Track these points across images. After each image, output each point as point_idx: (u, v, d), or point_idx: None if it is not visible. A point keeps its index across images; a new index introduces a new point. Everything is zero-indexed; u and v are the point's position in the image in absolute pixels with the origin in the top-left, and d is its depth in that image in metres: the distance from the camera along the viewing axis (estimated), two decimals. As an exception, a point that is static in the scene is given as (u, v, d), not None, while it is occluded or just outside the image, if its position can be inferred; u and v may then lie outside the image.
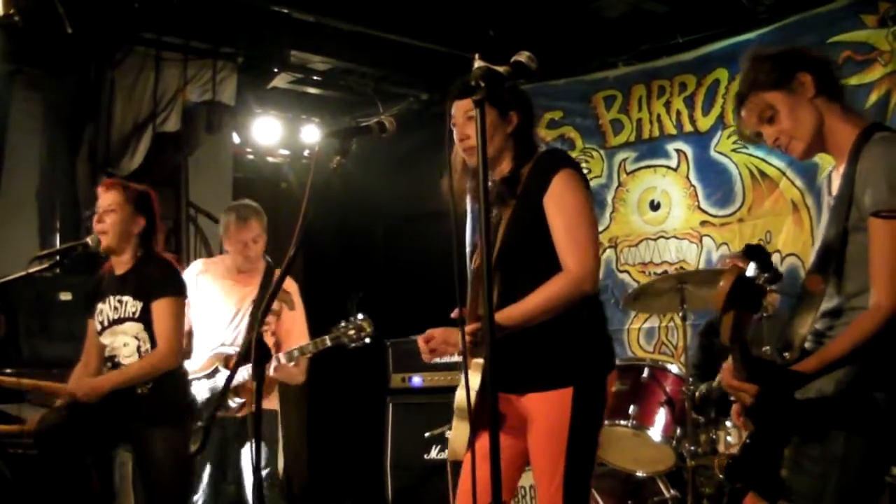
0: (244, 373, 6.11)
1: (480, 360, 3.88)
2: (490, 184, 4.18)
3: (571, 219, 3.86)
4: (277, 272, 6.62)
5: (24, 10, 6.82)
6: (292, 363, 6.33)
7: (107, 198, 5.52)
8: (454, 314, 3.94)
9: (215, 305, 6.52)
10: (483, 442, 4.08)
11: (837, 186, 3.35)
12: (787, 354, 3.26)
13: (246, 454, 6.47)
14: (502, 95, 4.00)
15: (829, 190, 3.47)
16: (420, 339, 4.19)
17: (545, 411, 3.84)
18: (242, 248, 6.59)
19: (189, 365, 6.27)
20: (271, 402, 6.56)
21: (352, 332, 6.14)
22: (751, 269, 3.08)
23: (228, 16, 8.33)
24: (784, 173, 7.83)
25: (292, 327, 6.68)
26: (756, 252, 3.11)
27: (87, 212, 8.20)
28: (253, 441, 4.13)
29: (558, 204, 3.85)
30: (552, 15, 8.46)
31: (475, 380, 3.88)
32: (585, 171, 8.79)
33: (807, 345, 3.31)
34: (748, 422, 3.42)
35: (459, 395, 3.85)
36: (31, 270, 5.67)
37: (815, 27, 7.48)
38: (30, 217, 8.16)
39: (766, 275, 3.06)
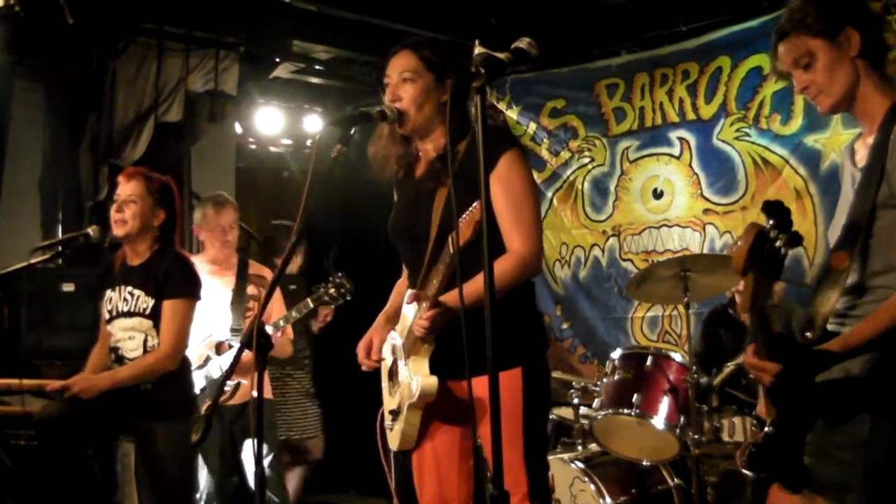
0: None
1: (428, 347, 3.86)
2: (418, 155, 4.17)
3: (517, 200, 3.83)
4: (251, 264, 6.93)
5: (24, 0, 6.82)
6: (279, 332, 6.52)
7: (127, 188, 5.40)
8: (409, 298, 3.92)
9: None
10: (430, 437, 4.10)
11: (864, 157, 3.25)
12: (808, 334, 3.16)
13: (247, 446, 6.52)
14: (440, 59, 3.99)
15: (853, 160, 3.35)
16: (361, 353, 4.18)
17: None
18: (221, 234, 6.77)
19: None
20: (265, 391, 6.55)
21: (332, 290, 6.26)
22: (770, 228, 2.99)
23: (230, 5, 8.33)
24: (787, 161, 7.81)
25: (272, 311, 6.76)
26: (775, 209, 3.00)
27: (90, 202, 8.21)
28: (262, 428, 4.20)
29: (504, 184, 3.80)
30: (555, 3, 8.45)
31: (425, 367, 3.88)
32: (588, 160, 8.96)
33: (829, 326, 3.21)
34: (770, 408, 3.30)
35: (424, 384, 3.83)
36: (33, 261, 5.65)
37: (818, 15, 7.45)
38: (32, 207, 8.16)
39: (784, 235, 2.97)
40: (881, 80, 3.27)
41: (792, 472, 3.25)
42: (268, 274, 6.90)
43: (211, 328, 6.47)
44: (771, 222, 2.96)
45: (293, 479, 8.33)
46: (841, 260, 3.15)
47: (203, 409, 6.02)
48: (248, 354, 3.43)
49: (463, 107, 3.84)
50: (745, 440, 6.12)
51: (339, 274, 6.35)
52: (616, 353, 6.58)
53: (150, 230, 5.40)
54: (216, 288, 6.65)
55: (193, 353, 6.29)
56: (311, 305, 6.38)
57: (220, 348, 6.44)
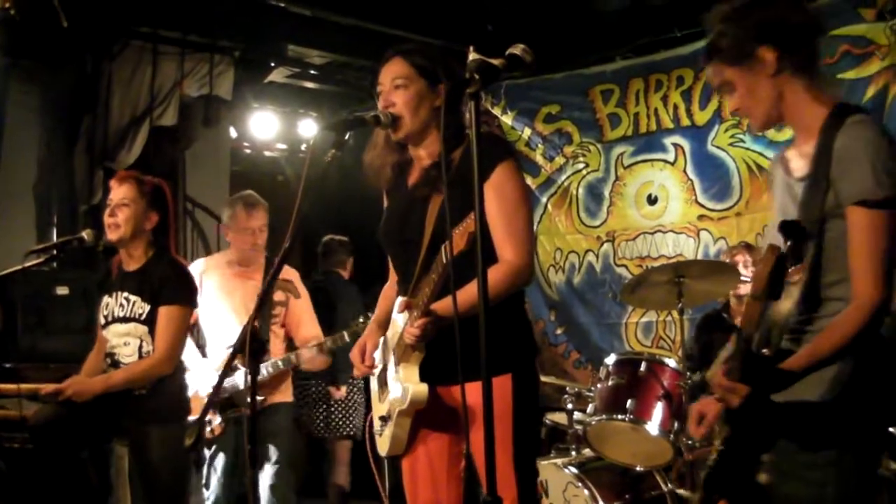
0: (264, 370, 6.14)
1: (418, 354, 3.86)
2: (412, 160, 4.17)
3: (511, 210, 3.82)
4: None
5: (20, 2, 6.81)
6: (312, 355, 6.37)
7: (120, 191, 5.39)
8: (400, 306, 3.93)
9: (222, 302, 6.51)
10: (423, 441, 4.10)
11: (801, 167, 3.17)
12: (765, 351, 3.01)
13: (267, 449, 6.50)
14: (432, 65, 3.98)
15: (787, 169, 3.27)
16: (355, 358, 4.18)
17: None
18: (250, 236, 6.54)
19: (208, 362, 6.39)
20: (285, 395, 6.57)
21: None
22: (787, 250, 2.88)
23: (225, 9, 8.34)
24: (782, 167, 7.82)
25: (301, 316, 6.70)
26: (793, 229, 2.93)
27: (84, 205, 8.21)
28: (256, 435, 4.18)
29: (498, 194, 3.79)
30: (550, 9, 8.46)
31: (415, 374, 3.87)
32: (583, 166, 8.97)
33: (784, 343, 3.08)
34: (722, 428, 3.21)
35: (415, 391, 3.83)
36: (28, 265, 5.65)
37: (813, 21, 7.46)
38: (27, 210, 8.15)
39: (792, 259, 2.90)
40: (810, 88, 3.18)
41: (745, 492, 3.19)
42: (294, 277, 6.76)
43: (235, 333, 6.40)
44: (789, 244, 2.89)
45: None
46: (793, 271, 3.01)
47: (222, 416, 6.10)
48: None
49: (457, 113, 3.84)
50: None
51: None
52: (610, 359, 6.56)
53: (144, 234, 5.40)
54: (241, 291, 6.57)
55: (218, 356, 6.30)
56: (347, 339, 6.30)
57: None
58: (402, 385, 3.86)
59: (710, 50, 3.27)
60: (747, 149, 8.06)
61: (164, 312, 5.29)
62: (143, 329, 5.29)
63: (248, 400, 6.21)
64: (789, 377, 2.96)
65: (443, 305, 3.68)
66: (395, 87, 3.95)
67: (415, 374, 3.86)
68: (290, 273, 6.74)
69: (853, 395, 3.00)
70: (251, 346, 3.29)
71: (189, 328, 5.53)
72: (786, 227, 2.91)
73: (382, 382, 4.11)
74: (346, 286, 8.53)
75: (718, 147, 8.26)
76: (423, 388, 3.84)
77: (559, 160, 9.28)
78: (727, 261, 6.92)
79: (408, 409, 3.87)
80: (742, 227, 8.03)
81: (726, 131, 8.18)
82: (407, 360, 3.87)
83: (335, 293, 8.19)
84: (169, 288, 5.32)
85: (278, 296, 6.56)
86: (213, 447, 6.44)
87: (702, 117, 8.37)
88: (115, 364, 5.34)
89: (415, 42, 4.28)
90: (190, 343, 6.29)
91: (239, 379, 6.21)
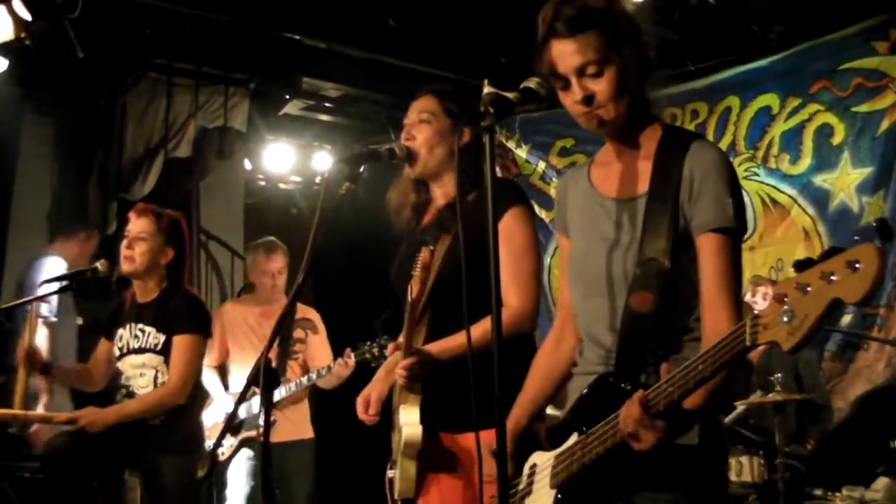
0: (284, 390, 6.64)
1: (415, 396, 3.84)
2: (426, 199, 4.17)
3: (518, 256, 3.82)
4: (299, 307, 7.12)
5: (35, 34, 6.84)
6: (321, 379, 6.67)
7: (137, 224, 5.40)
8: (390, 350, 3.94)
9: (248, 340, 6.94)
10: (436, 483, 4.07)
11: (614, 186, 3.04)
12: (627, 386, 2.72)
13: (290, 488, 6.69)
14: (460, 109, 4.00)
15: (593, 186, 3.11)
16: (359, 407, 4.16)
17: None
18: (270, 279, 7.03)
19: (234, 388, 6.85)
20: (305, 431, 6.98)
21: (375, 350, 6.37)
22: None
23: (241, 42, 8.34)
24: (795, 200, 7.80)
25: (318, 351, 7.05)
26: (887, 231, 2.68)
27: (99, 236, 8.22)
28: (269, 463, 4.20)
29: (506, 239, 3.73)
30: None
31: (413, 416, 3.85)
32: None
33: (643, 378, 2.78)
34: (570, 474, 2.84)
35: (408, 434, 3.82)
36: (42, 294, 5.66)
37: (826, 54, 7.47)
38: (41, 241, 8.16)
39: None
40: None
41: None
42: (315, 317, 7.20)
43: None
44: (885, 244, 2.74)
45: None
46: (643, 301, 2.82)
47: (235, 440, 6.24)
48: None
49: (475, 157, 3.81)
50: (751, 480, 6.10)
51: (386, 336, 6.46)
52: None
53: (158, 268, 5.40)
54: (265, 329, 6.90)
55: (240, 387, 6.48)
56: (354, 359, 6.55)
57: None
58: (400, 427, 3.86)
59: (596, 20, 3.14)
60: (761, 182, 8.04)
61: (178, 342, 5.29)
62: (159, 359, 5.30)
63: (261, 427, 6.34)
64: (692, 418, 2.69)
65: (433, 347, 3.71)
66: (419, 121, 3.98)
67: (412, 415, 3.85)
68: (310, 313, 7.23)
69: (714, 437, 2.84)
70: (265, 379, 3.28)
71: (203, 358, 5.55)
72: (883, 227, 2.72)
73: (395, 425, 4.12)
74: None
75: (732, 180, 8.24)
76: (417, 431, 3.82)
77: (573, 193, 9.26)
78: (748, 293, 6.92)
79: (405, 450, 3.85)
80: (756, 261, 8.00)
81: (740, 164, 8.15)
82: (405, 401, 3.87)
83: None
84: (182, 317, 5.33)
85: (298, 333, 6.95)
86: (228, 474, 6.63)
87: (715, 151, 8.35)
88: (130, 395, 5.33)
89: (435, 78, 4.29)
90: (215, 379, 6.84)
91: (254, 404, 6.36)
